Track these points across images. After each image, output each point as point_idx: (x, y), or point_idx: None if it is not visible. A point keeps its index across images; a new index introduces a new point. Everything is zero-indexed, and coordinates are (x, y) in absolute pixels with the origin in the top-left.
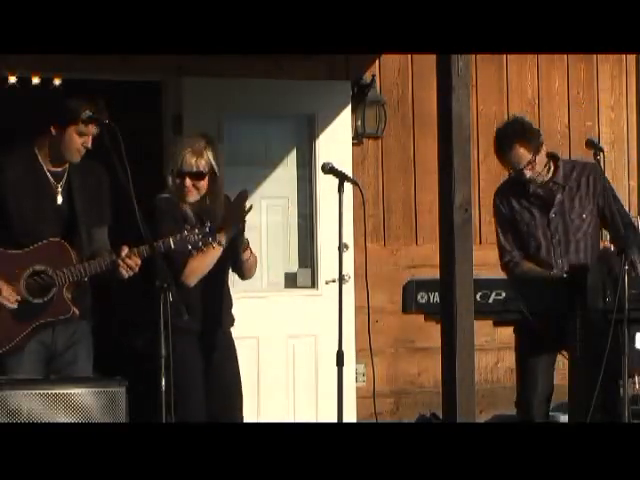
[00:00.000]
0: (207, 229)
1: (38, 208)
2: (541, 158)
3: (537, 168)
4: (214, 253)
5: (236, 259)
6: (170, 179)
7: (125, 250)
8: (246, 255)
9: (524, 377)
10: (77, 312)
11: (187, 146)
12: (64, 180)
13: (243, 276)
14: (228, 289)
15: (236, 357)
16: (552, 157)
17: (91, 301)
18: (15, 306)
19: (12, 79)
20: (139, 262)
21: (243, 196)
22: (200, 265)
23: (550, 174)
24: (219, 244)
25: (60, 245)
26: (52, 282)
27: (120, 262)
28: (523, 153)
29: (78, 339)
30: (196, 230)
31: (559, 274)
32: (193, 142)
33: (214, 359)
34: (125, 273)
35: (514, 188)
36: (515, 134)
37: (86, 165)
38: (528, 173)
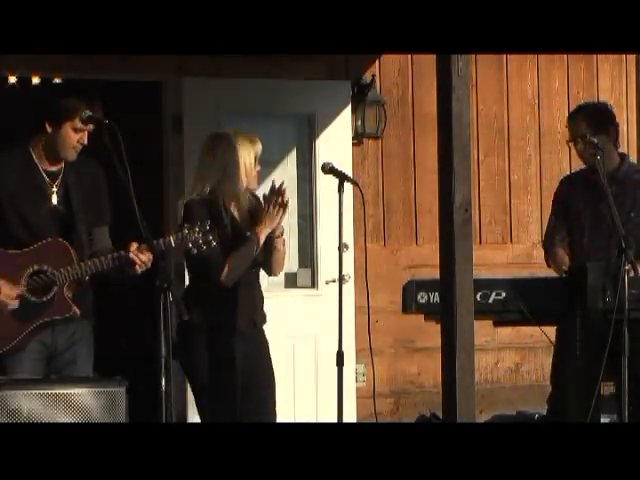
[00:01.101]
0: (207, 226)
1: (35, 208)
2: (610, 150)
3: (590, 148)
4: (250, 249)
5: (267, 253)
6: (239, 179)
7: (134, 245)
8: (280, 243)
9: (555, 375)
10: (78, 311)
11: (246, 138)
12: (60, 179)
13: (271, 270)
14: (260, 286)
15: (269, 354)
16: (620, 155)
17: (92, 301)
18: (16, 305)
19: (12, 79)
20: (151, 257)
21: (278, 190)
22: (238, 265)
23: (613, 169)
24: (255, 243)
25: (61, 244)
26: (53, 281)
27: (133, 257)
28: (581, 126)
29: (78, 339)
30: (197, 228)
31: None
32: (242, 136)
33: (249, 357)
34: (138, 269)
35: (578, 177)
36: (586, 108)
37: (82, 164)
38: (579, 146)
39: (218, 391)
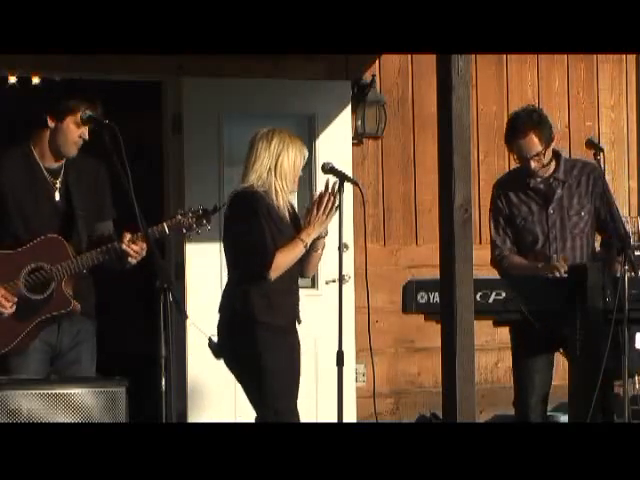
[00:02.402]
0: (200, 211)
1: (36, 205)
2: (548, 153)
3: (544, 161)
4: (298, 249)
5: (304, 254)
6: (288, 175)
7: (127, 237)
8: (320, 245)
9: (519, 377)
10: (78, 305)
11: (298, 138)
12: (61, 176)
13: (305, 271)
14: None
15: (300, 357)
16: (554, 154)
17: (95, 300)
18: (12, 311)
19: (12, 79)
20: (145, 246)
21: (330, 192)
22: (285, 260)
23: (551, 170)
24: (304, 245)
25: (57, 240)
26: (51, 278)
27: (125, 249)
28: (535, 143)
29: (82, 339)
30: (190, 213)
31: (554, 266)
32: (294, 136)
33: (296, 356)
34: (133, 260)
35: (514, 182)
36: (532, 122)
37: (83, 161)
38: (534, 164)
39: (282, 387)
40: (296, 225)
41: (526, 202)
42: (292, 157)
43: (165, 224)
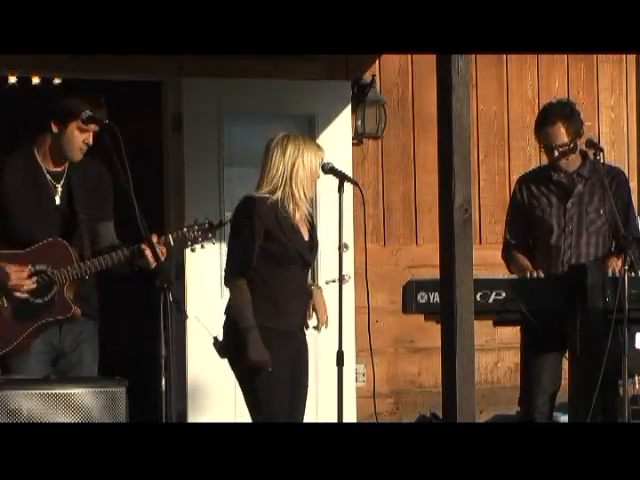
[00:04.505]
0: (207, 225)
1: (38, 208)
2: (575, 150)
3: (569, 155)
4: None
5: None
6: (305, 182)
7: (155, 237)
8: None
9: (527, 375)
10: (79, 311)
11: (313, 142)
12: (63, 179)
13: None
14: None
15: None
16: (581, 153)
17: (97, 301)
18: (32, 285)
19: (12, 79)
20: (165, 251)
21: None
22: (234, 295)
23: (577, 166)
24: (245, 325)
25: (60, 244)
26: (53, 282)
27: (146, 249)
28: (562, 133)
29: (84, 339)
30: (195, 226)
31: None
32: (309, 139)
33: (301, 359)
34: (151, 261)
35: (537, 175)
36: (562, 113)
37: (85, 163)
38: (557, 153)
39: (272, 391)
40: (312, 234)
41: (546, 195)
42: (308, 163)
43: (170, 236)
